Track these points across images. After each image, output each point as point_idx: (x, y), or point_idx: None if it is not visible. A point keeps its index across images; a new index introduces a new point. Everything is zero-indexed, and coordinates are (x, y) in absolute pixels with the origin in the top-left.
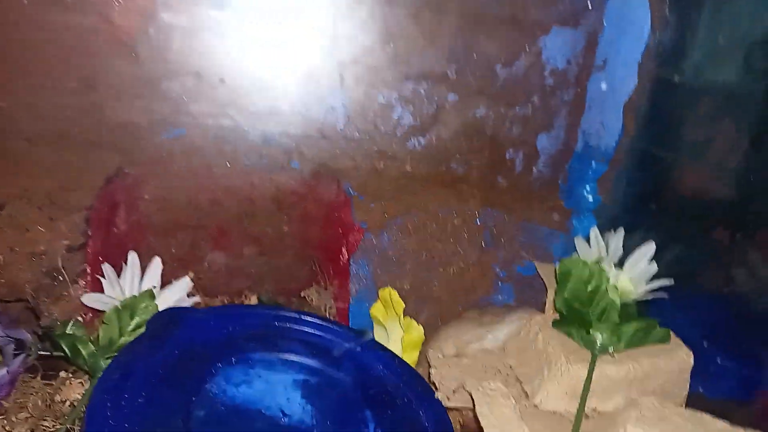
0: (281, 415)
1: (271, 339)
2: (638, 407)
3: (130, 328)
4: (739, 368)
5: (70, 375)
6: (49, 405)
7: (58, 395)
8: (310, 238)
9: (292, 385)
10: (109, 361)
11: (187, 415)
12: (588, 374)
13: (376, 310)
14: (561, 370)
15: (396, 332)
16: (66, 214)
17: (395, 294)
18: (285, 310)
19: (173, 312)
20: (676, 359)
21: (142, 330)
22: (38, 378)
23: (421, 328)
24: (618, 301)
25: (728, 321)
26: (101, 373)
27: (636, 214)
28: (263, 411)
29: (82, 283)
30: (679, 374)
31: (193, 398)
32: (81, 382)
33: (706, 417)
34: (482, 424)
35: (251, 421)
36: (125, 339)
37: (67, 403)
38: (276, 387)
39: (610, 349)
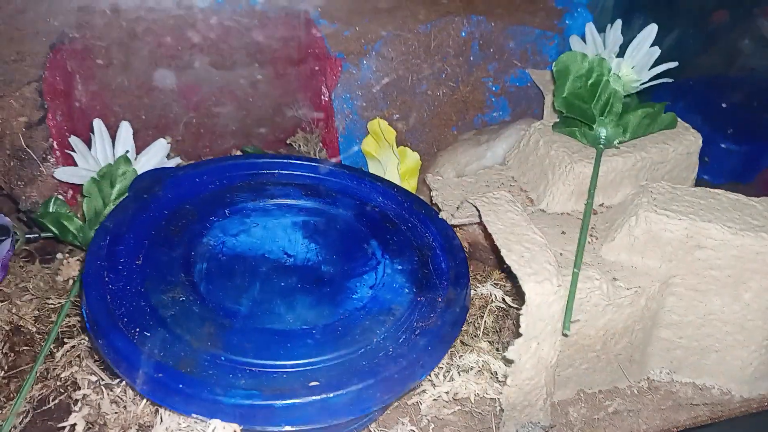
0: (285, 256)
1: (262, 187)
2: (649, 192)
3: (113, 196)
4: (742, 151)
5: (67, 255)
6: (51, 285)
7: (58, 275)
8: (286, 81)
9: (291, 227)
10: None
11: (188, 269)
12: (594, 169)
13: (367, 144)
14: (565, 171)
15: (391, 163)
16: (14, 90)
17: (384, 123)
18: (271, 157)
19: (155, 173)
20: (684, 143)
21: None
22: (36, 263)
23: (416, 153)
24: (621, 90)
25: (729, 105)
26: None
27: (634, 3)
28: (266, 255)
29: (52, 160)
30: (687, 157)
31: (192, 253)
32: (78, 260)
33: (719, 191)
34: (490, 230)
35: (256, 266)
36: (110, 208)
37: (70, 281)
38: (276, 231)
39: (616, 142)
